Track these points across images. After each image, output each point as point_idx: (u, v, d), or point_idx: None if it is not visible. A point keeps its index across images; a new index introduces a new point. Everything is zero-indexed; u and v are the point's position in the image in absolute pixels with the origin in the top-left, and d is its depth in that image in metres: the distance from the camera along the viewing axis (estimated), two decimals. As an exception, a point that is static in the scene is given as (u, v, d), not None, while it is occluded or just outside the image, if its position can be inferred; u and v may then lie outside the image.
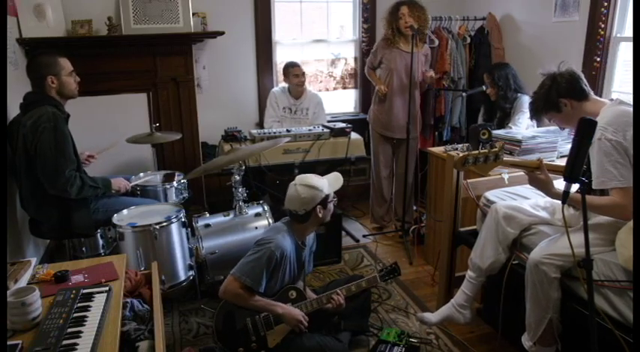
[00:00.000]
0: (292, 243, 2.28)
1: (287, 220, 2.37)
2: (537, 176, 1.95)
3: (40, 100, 2.51)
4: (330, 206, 2.33)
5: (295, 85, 3.86)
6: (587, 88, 2.03)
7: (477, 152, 2.02)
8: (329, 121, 3.91)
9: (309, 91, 4.00)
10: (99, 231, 2.91)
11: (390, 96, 3.59)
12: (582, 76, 2.04)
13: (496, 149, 2.03)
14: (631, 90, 2.80)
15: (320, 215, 2.27)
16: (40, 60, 2.57)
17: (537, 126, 3.10)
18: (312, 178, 2.29)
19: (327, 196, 2.28)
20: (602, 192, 1.92)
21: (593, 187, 1.88)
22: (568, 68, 2.05)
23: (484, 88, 3.45)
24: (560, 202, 1.62)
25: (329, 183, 2.32)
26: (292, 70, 3.82)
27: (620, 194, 1.81)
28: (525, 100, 3.24)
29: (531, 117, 2.25)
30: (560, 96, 2.01)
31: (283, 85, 4.01)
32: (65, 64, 2.60)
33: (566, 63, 2.07)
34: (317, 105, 3.98)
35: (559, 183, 1.84)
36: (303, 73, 3.85)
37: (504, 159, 2.08)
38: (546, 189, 1.95)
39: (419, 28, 3.42)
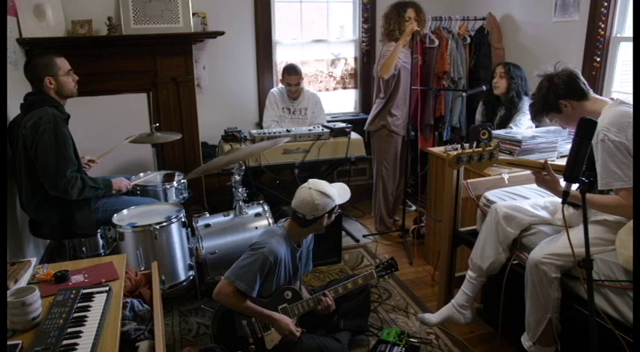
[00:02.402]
0: (287, 246, 2.27)
1: (284, 223, 2.35)
2: (544, 177, 1.95)
3: (40, 101, 2.51)
4: (333, 216, 2.32)
5: (289, 91, 3.86)
6: (586, 86, 2.03)
7: (470, 150, 2.02)
8: (329, 121, 3.91)
9: (307, 91, 3.99)
10: (99, 230, 2.91)
11: (401, 95, 3.60)
12: (580, 74, 2.04)
13: (490, 147, 2.03)
14: (631, 91, 2.80)
15: (324, 223, 2.27)
16: (36, 61, 2.56)
17: (536, 127, 3.10)
18: (327, 186, 2.26)
19: (335, 206, 2.27)
20: (602, 191, 1.93)
21: (599, 188, 1.89)
22: (565, 68, 2.05)
23: (484, 87, 3.44)
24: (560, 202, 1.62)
25: (339, 195, 2.30)
26: (288, 77, 3.79)
27: (625, 194, 1.82)
28: (527, 102, 3.23)
29: (532, 119, 2.25)
30: (559, 98, 2.01)
31: (282, 85, 4.01)
32: (62, 64, 2.59)
33: (562, 63, 2.06)
34: (315, 105, 3.97)
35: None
36: (297, 83, 3.81)
37: (507, 158, 2.08)
38: (553, 188, 1.95)
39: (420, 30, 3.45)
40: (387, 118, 3.64)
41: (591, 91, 2.04)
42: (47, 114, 2.45)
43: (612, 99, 2.03)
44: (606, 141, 1.83)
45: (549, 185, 1.96)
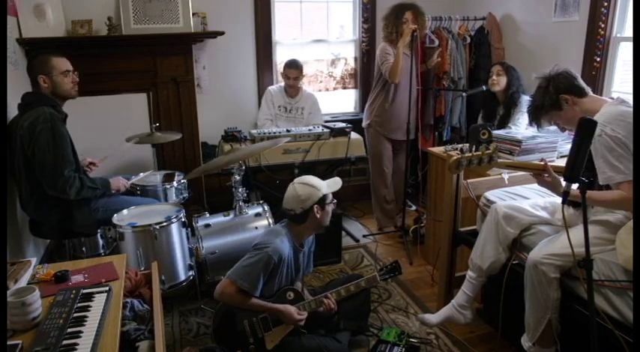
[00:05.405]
0: (290, 246, 2.27)
1: (285, 222, 2.36)
2: (545, 179, 1.95)
3: (38, 101, 2.50)
4: (329, 208, 2.31)
5: (287, 85, 3.87)
6: (585, 85, 2.04)
7: (470, 155, 2.03)
8: (329, 121, 3.91)
9: (305, 91, 4.00)
10: (99, 230, 2.91)
11: (395, 98, 3.59)
12: (577, 75, 2.06)
13: (490, 151, 2.04)
14: (631, 90, 2.80)
15: (318, 215, 2.26)
16: (34, 60, 2.57)
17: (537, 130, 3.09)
18: (311, 178, 2.30)
19: (325, 197, 2.27)
20: (601, 187, 1.93)
21: (600, 183, 1.88)
22: (563, 68, 2.07)
23: (484, 87, 3.44)
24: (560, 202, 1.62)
25: (327, 185, 2.32)
26: (288, 70, 3.82)
27: (627, 186, 1.81)
28: (525, 100, 3.23)
29: (531, 122, 2.24)
30: (560, 93, 2.02)
31: (281, 83, 4.01)
32: (59, 63, 2.56)
33: (559, 65, 2.09)
34: (313, 105, 3.98)
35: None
36: (297, 77, 3.82)
37: (507, 161, 2.08)
38: (556, 190, 1.96)
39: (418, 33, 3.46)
40: (374, 119, 3.66)
41: (590, 91, 2.05)
42: (44, 113, 2.44)
43: (612, 97, 2.03)
44: (603, 136, 1.84)
45: (551, 186, 1.96)
